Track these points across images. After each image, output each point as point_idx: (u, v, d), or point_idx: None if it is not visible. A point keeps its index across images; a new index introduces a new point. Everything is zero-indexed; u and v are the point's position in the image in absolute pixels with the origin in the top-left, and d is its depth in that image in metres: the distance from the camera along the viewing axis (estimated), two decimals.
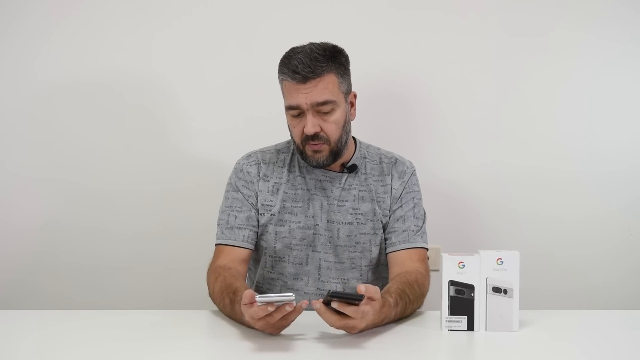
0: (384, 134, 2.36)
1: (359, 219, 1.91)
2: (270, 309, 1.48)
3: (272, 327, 1.53)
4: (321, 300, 1.51)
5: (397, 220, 1.91)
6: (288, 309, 1.49)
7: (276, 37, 2.31)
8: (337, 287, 1.89)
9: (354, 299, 1.49)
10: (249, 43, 2.36)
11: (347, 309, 1.49)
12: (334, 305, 1.49)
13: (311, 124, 1.79)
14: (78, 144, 2.39)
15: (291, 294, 1.47)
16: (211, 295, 1.80)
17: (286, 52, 1.83)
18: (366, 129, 2.27)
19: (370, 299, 1.53)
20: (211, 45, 2.37)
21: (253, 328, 1.58)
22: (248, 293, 1.51)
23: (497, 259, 1.59)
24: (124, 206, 2.40)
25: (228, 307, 1.69)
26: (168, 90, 2.38)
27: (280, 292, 1.89)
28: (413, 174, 1.96)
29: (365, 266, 1.92)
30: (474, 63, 2.37)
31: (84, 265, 2.41)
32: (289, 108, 1.83)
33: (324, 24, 2.34)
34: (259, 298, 1.46)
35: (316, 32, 2.20)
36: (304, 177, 1.92)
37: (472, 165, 2.39)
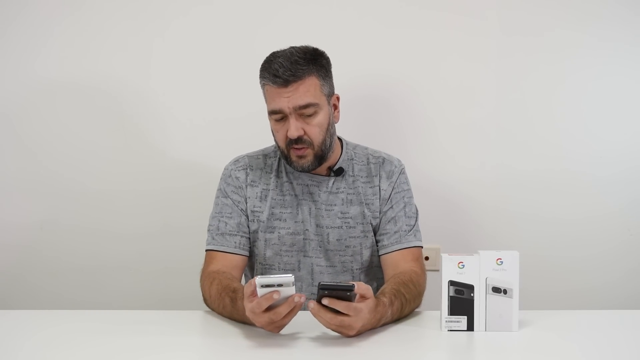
0: (383, 135, 2.36)
1: (348, 222, 1.90)
2: (276, 296, 1.46)
3: (273, 325, 1.53)
4: (315, 300, 1.50)
5: (389, 221, 1.90)
6: (297, 299, 1.48)
7: (276, 39, 2.29)
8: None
9: (344, 289, 1.48)
10: (248, 44, 2.36)
11: (339, 305, 1.48)
12: (325, 301, 1.47)
13: (294, 128, 1.78)
14: (78, 144, 2.39)
15: (290, 274, 1.47)
16: (207, 300, 1.79)
17: (267, 57, 1.83)
18: (364, 130, 2.28)
19: (363, 296, 1.52)
20: (211, 46, 2.37)
21: (255, 325, 1.57)
22: (249, 282, 1.51)
23: (497, 259, 1.59)
24: (123, 206, 2.40)
25: (229, 306, 1.68)
26: (168, 90, 2.38)
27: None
28: (402, 172, 1.94)
29: (357, 269, 1.91)
30: (472, 63, 2.37)
31: (84, 265, 2.41)
32: (271, 113, 1.82)
33: (323, 24, 2.34)
34: (259, 279, 1.46)
35: (315, 33, 2.21)
36: (292, 183, 1.92)
37: (472, 166, 2.39)
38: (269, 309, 1.49)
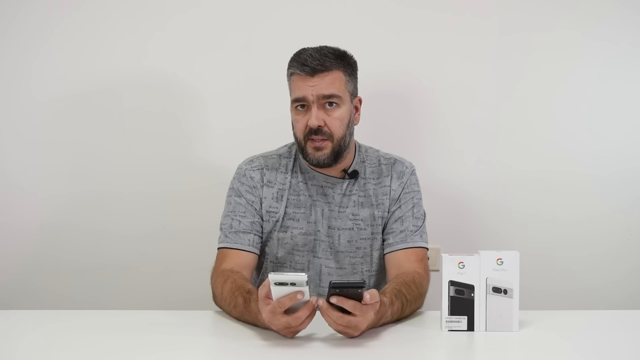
0: (384, 134, 2.36)
1: (359, 224, 1.90)
2: (300, 297, 1.46)
3: (288, 330, 1.52)
4: (324, 298, 1.50)
5: (396, 221, 1.90)
6: (320, 303, 1.48)
7: (276, 39, 2.31)
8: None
9: (355, 287, 1.47)
10: (249, 44, 2.36)
11: (347, 303, 1.48)
12: (333, 300, 1.47)
13: (315, 116, 1.80)
14: (78, 145, 2.38)
15: (303, 273, 1.47)
16: (218, 297, 1.77)
17: (297, 51, 1.87)
18: (366, 129, 2.27)
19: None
20: (211, 47, 2.36)
21: (267, 328, 1.57)
22: (263, 284, 1.50)
23: (497, 259, 1.59)
24: (124, 207, 2.39)
25: (241, 306, 1.66)
26: (167, 92, 2.38)
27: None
28: (412, 173, 1.95)
29: (366, 271, 1.91)
30: (473, 63, 2.37)
31: (84, 265, 2.40)
32: (295, 101, 1.84)
33: (324, 24, 2.34)
34: (272, 275, 1.46)
35: (316, 33, 2.21)
36: (306, 183, 1.92)
37: (472, 166, 2.39)
38: (286, 311, 1.49)
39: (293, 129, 1.88)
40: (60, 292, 2.39)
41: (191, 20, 2.36)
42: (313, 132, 1.82)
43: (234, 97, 2.37)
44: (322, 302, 1.49)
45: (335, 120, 1.83)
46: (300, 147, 1.87)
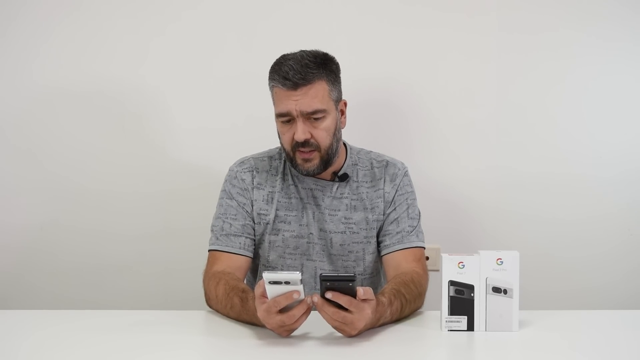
0: (381, 136, 2.36)
1: (352, 228, 1.90)
2: (296, 296, 1.46)
3: (283, 328, 1.52)
4: (319, 294, 1.50)
5: (392, 222, 1.90)
6: (315, 299, 1.48)
7: (274, 38, 2.31)
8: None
9: (345, 280, 1.47)
10: (247, 43, 2.36)
11: (342, 299, 1.47)
12: (328, 295, 1.47)
13: (301, 131, 1.78)
14: (78, 145, 2.39)
15: (297, 272, 1.47)
16: (212, 300, 1.77)
17: (277, 59, 1.82)
18: (363, 131, 2.28)
19: (365, 300, 1.51)
20: (209, 46, 2.37)
21: (264, 327, 1.57)
22: (259, 283, 1.50)
23: (497, 259, 1.59)
24: (124, 207, 2.39)
25: (238, 306, 1.66)
26: (167, 91, 2.38)
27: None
28: (405, 174, 1.94)
29: (359, 274, 1.91)
30: (472, 62, 2.36)
31: (84, 265, 2.40)
32: (279, 115, 1.81)
33: (322, 23, 2.34)
34: (266, 274, 1.46)
35: (314, 33, 2.21)
36: (297, 186, 1.91)
37: (472, 167, 2.39)
38: (281, 310, 1.49)
39: (279, 138, 1.87)
40: (59, 291, 2.39)
41: (190, 21, 2.36)
42: (300, 145, 1.80)
43: (234, 95, 2.37)
44: (317, 298, 1.49)
45: (321, 132, 1.80)
46: (289, 158, 1.85)
